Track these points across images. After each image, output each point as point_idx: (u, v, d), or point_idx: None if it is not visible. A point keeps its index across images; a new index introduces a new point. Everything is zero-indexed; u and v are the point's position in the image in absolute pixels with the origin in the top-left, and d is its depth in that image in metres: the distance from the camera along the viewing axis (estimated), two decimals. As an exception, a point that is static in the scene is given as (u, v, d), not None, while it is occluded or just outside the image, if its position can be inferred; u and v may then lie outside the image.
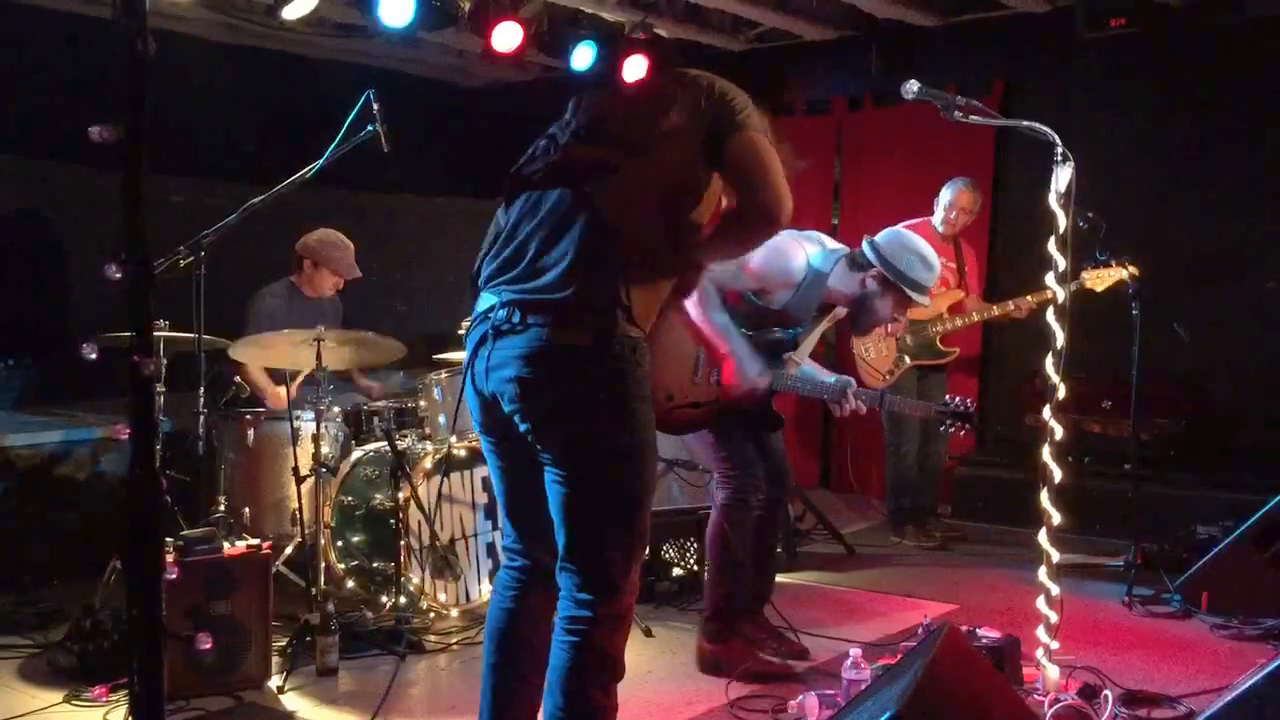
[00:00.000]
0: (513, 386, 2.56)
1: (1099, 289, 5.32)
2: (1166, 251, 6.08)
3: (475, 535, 4.72)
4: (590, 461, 2.56)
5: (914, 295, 4.06)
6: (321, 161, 4.28)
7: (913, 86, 3.48)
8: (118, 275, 1.53)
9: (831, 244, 4.13)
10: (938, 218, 6.03)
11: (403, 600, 4.46)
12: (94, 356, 1.69)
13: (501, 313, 2.57)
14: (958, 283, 6.06)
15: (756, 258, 3.80)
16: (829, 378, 4.18)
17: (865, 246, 4.09)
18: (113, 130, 1.52)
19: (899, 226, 4.25)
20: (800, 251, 3.98)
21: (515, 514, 2.79)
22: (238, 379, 4.97)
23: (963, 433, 4.15)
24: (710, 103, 2.65)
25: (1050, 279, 3.53)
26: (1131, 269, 5.16)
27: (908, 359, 5.96)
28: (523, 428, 2.60)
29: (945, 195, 6.01)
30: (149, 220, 1.70)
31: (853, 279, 4.07)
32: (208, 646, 1.78)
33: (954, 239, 6.10)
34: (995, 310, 5.85)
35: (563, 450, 2.58)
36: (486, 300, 2.66)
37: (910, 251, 4.06)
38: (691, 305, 3.77)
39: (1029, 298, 5.75)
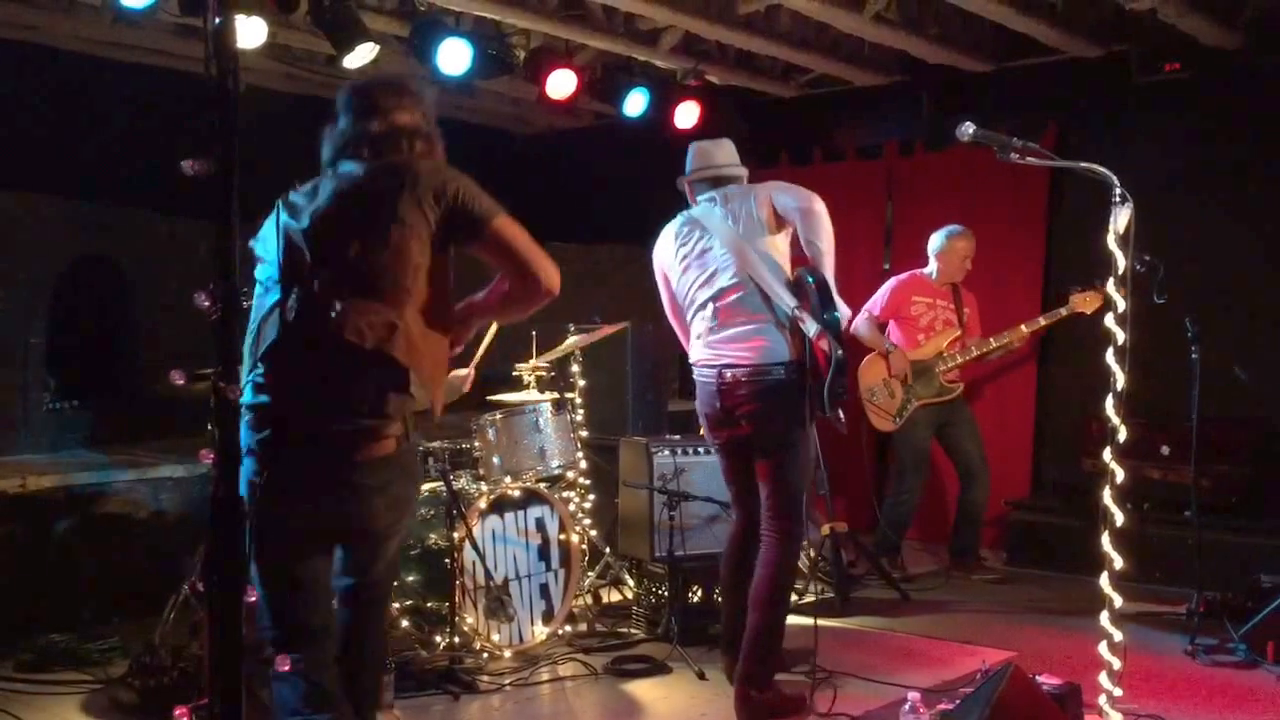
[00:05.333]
0: None
1: (1088, 312, 5.44)
2: (1224, 293, 6.00)
3: (529, 576, 4.73)
4: None
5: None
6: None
7: (968, 128, 3.47)
8: (206, 304, 1.57)
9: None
10: (932, 266, 6.22)
11: (456, 640, 4.47)
12: (181, 382, 1.74)
13: None
14: (957, 323, 6.24)
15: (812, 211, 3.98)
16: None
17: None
18: (204, 164, 1.57)
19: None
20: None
21: None
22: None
23: None
24: None
25: (1109, 320, 3.49)
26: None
27: (915, 401, 6.10)
28: None
29: (937, 243, 6.19)
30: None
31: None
32: (286, 669, 1.80)
33: (952, 285, 6.28)
34: (993, 343, 6.01)
35: None
36: None
37: None
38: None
39: (1023, 327, 6.01)
